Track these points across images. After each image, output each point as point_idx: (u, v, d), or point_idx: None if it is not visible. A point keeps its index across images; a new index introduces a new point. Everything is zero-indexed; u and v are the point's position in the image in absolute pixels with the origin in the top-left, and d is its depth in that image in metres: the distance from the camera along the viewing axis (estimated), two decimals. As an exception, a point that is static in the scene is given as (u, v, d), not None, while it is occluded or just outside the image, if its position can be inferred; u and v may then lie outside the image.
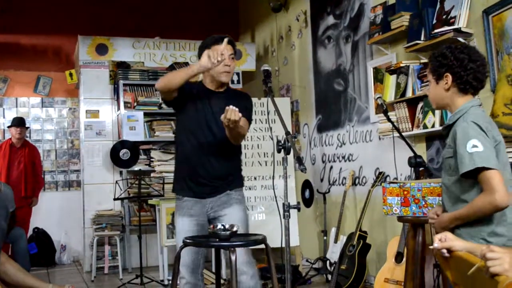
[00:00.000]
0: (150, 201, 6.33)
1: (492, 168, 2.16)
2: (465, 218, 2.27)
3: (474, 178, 2.22)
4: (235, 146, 3.19)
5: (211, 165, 3.12)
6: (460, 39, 3.88)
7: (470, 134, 2.22)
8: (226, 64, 3.10)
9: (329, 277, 5.27)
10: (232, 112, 2.77)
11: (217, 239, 2.52)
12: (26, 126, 7.07)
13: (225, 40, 3.11)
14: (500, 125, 3.24)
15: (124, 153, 6.51)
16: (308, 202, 6.26)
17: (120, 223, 6.55)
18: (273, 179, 2.98)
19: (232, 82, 7.23)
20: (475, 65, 2.34)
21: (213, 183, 3.12)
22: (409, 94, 4.42)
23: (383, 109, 4.06)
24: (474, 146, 2.19)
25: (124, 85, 6.71)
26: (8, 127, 7.01)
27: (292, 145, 2.57)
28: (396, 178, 4.59)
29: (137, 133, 6.59)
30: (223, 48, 3.06)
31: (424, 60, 4.25)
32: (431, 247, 1.91)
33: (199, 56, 3.12)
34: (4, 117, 7.65)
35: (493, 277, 1.52)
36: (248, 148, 5.90)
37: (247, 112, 3.12)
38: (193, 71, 2.96)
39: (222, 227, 2.56)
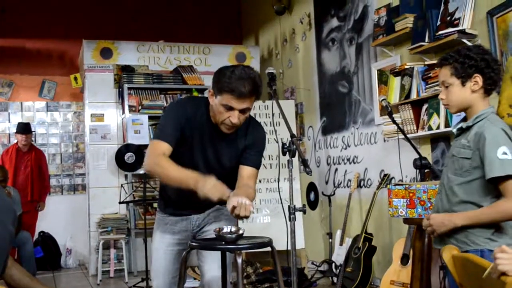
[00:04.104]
0: (155, 205, 6.34)
1: None
2: (484, 221, 2.27)
3: (494, 184, 2.24)
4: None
5: (204, 201, 2.55)
6: (465, 40, 3.88)
7: (500, 141, 2.24)
8: (232, 121, 2.54)
9: (335, 279, 5.26)
10: (243, 208, 2.36)
11: (223, 242, 2.52)
12: (32, 131, 7.10)
13: (243, 96, 2.49)
14: (506, 127, 3.24)
15: (129, 157, 6.52)
16: (313, 205, 6.25)
17: (125, 227, 6.57)
18: (278, 181, 2.92)
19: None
20: (497, 66, 2.36)
21: (197, 206, 2.79)
22: (413, 96, 4.41)
23: (387, 111, 4.06)
24: (504, 153, 2.21)
25: (129, 88, 6.73)
26: (15, 133, 7.04)
27: (298, 147, 2.57)
28: (401, 180, 4.58)
29: (142, 136, 6.61)
30: (236, 105, 2.51)
31: (429, 62, 4.25)
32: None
33: (213, 83, 2.58)
34: (9, 122, 7.68)
35: (500, 277, 1.53)
36: (252, 151, 5.90)
37: (257, 157, 2.71)
38: (191, 186, 2.42)
39: (228, 230, 2.55)
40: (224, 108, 2.53)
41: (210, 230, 2.75)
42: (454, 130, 2.47)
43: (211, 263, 2.78)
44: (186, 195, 2.57)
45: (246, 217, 2.41)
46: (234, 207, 2.37)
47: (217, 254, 2.74)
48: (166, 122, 2.69)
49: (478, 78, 2.33)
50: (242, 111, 2.55)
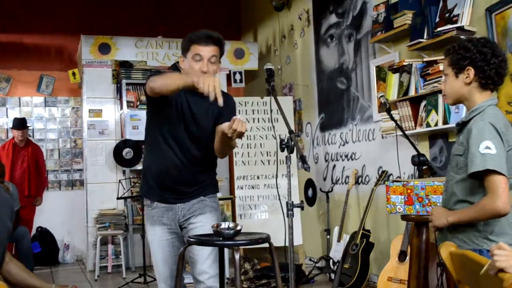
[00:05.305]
0: (153, 200, 6.33)
1: (501, 173, 2.13)
2: (469, 219, 2.24)
3: (479, 180, 2.19)
4: (214, 153, 2.90)
5: (184, 170, 2.83)
6: (463, 37, 3.87)
7: (485, 135, 2.17)
8: (203, 70, 2.74)
9: (332, 276, 5.27)
10: (240, 123, 2.48)
11: (221, 238, 2.52)
12: (28, 125, 7.08)
13: (208, 42, 2.76)
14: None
15: (127, 152, 6.52)
16: (311, 201, 6.26)
17: (123, 222, 6.57)
18: (276, 178, 2.92)
19: (235, 81, 7.23)
20: (498, 60, 2.28)
21: (181, 188, 2.86)
22: (412, 92, 4.42)
23: (386, 107, 4.06)
24: (487, 147, 2.14)
25: (127, 84, 6.72)
26: (11, 128, 7.03)
27: (296, 144, 2.57)
28: (399, 177, 4.59)
29: (140, 132, 6.60)
30: (204, 50, 2.74)
31: (427, 59, 4.25)
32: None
33: (182, 47, 2.84)
34: (7, 117, 7.66)
35: (497, 274, 1.53)
36: (251, 147, 5.91)
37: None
38: (190, 82, 2.52)
39: (226, 226, 2.56)
40: (194, 60, 2.76)
41: (197, 223, 2.84)
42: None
43: (204, 264, 2.82)
44: (165, 176, 2.82)
45: (241, 134, 2.52)
46: (233, 121, 2.50)
47: (210, 253, 2.79)
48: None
49: (470, 71, 2.29)
50: (210, 61, 2.76)
